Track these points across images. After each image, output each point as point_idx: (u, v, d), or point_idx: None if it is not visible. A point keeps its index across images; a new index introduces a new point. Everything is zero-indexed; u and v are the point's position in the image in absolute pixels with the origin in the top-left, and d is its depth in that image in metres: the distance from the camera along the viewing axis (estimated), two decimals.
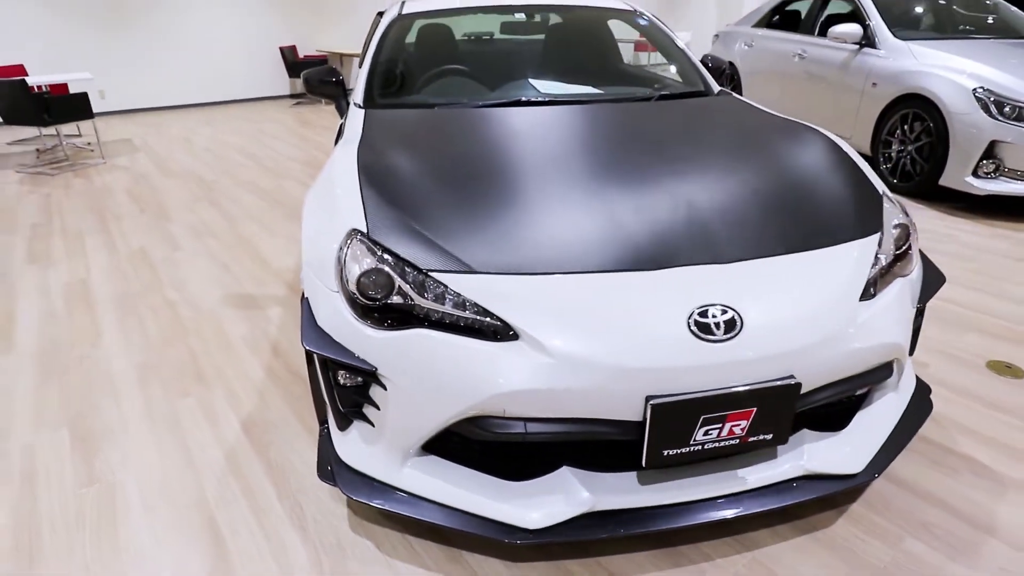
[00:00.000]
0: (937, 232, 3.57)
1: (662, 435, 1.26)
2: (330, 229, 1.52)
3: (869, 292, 1.45)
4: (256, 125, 7.39)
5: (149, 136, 6.83)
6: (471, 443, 1.43)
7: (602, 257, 1.37)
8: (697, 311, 1.29)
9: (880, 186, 1.75)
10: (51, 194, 4.66)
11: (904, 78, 4.20)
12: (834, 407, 1.59)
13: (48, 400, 2.17)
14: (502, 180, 1.63)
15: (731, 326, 1.28)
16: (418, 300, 1.35)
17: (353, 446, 1.50)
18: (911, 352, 1.78)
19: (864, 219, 1.58)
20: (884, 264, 1.51)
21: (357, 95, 2.41)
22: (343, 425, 1.52)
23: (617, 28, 3.11)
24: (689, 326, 1.27)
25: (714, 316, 1.28)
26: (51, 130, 6.62)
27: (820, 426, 1.56)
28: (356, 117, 2.19)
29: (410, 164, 1.71)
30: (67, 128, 6.99)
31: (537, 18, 3.03)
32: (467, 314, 1.31)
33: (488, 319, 1.30)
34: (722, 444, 1.31)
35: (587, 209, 1.51)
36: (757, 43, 6.07)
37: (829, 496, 1.60)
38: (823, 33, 5.29)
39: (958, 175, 3.87)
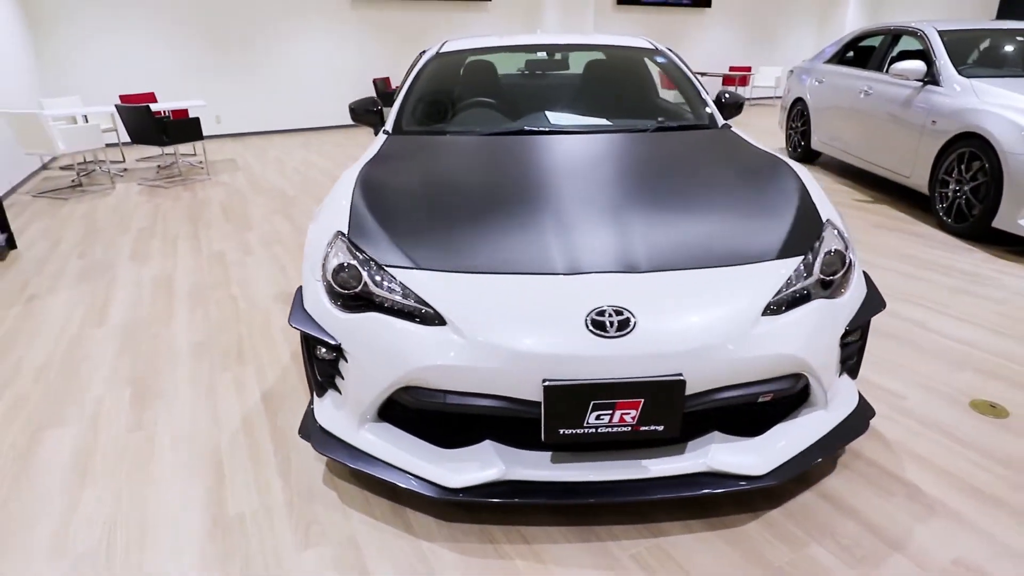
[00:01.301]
0: (980, 275, 3.44)
1: (557, 415, 1.46)
2: (323, 230, 1.86)
3: (775, 308, 1.58)
4: (343, 149, 8.15)
5: (251, 156, 7.74)
6: (411, 412, 1.69)
7: (528, 262, 1.61)
8: (596, 311, 1.49)
9: (828, 215, 1.85)
10: (160, 204, 5.47)
11: (962, 116, 4.08)
12: (749, 414, 1.71)
13: (122, 364, 2.66)
14: (468, 195, 1.91)
15: (624, 325, 1.47)
16: (374, 289, 1.64)
17: (326, 411, 1.80)
18: (854, 375, 1.86)
19: (793, 243, 1.71)
20: (802, 285, 1.64)
21: (388, 123, 2.79)
22: (320, 392, 1.84)
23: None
24: (586, 323, 1.47)
25: (610, 316, 1.48)
26: (171, 149, 7.67)
27: (737, 431, 1.68)
28: (379, 141, 2.56)
29: (399, 179, 2.03)
30: (184, 148, 8.07)
31: (558, 56, 3.32)
32: (409, 302, 1.59)
33: (424, 307, 1.57)
34: (615, 430, 1.49)
35: (530, 223, 1.76)
36: (827, 79, 6.01)
37: (748, 500, 1.73)
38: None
39: (1011, 216, 3.70)
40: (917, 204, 4.90)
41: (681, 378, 1.45)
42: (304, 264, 1.90)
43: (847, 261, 1.75)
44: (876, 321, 2.87)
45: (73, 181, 6.45)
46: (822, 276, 1.68)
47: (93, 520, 1.77)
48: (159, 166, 7.15)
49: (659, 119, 2.75)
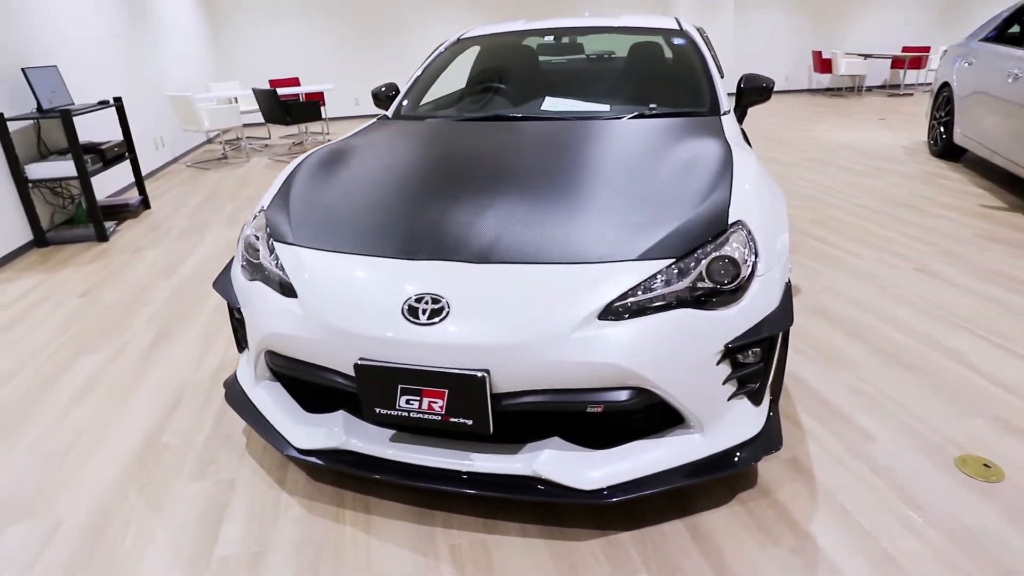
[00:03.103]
0: None
1: (370, 393, 1.50)
2: (260, 205, 2.05)
3: (619, 313, 1.45)
4: None
5: None
6: (283, 377, 1.83)
7: (382, 246, 1.65)
8: (415, 297, 1.49)
9: (743, 216, 1.63)
10: (277, 175, 6.19)
11: None
12: (604, 425, 1.59)
13: (162, 311, 3.13)
14: (388, 178, 1.98)
15: (436, 314, 1.46)
16: (262, 260, 1.79)
17: (241, 366, 2.01)
18: (757, 400, 1.65)
19: (669, 245, 1.54)
20: (666, 291, 1.48)
21: (391, 108, 2.93)
22: (239, 350, 2.04)
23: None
24: (402, 308, 1.48)
25: (425, 304, 1.48)
26: (303, 128, 8.58)
27: (585, 441, 1.58)
28: (366, 124, 2.70)
29: (341, 161, 2.15)
30: (316, 127, 8.97)
31: (565, 40, 3.19)
32: (278, 272, 1.72)
33: (286, 278, 1.69)
34: (426, 417, 1.49)
35: (418, 209, 1.78)
36: (978, 59, 5.04)
37: (603, 515, 1.63)
38: None
39: None
40: None
41: (482, 374, 1.40)
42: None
43: (743, 271, 1.54)
44: (897, 345, 2.44)
45: (222, 154, 7.52)
46: (711, 284, 1.50)
47: (69, 431, 2.15)
48: (292, 143, 8.05)
49: (651, 106, 2.57)
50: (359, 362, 1.48)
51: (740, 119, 2.78)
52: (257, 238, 1.86)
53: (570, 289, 1.47)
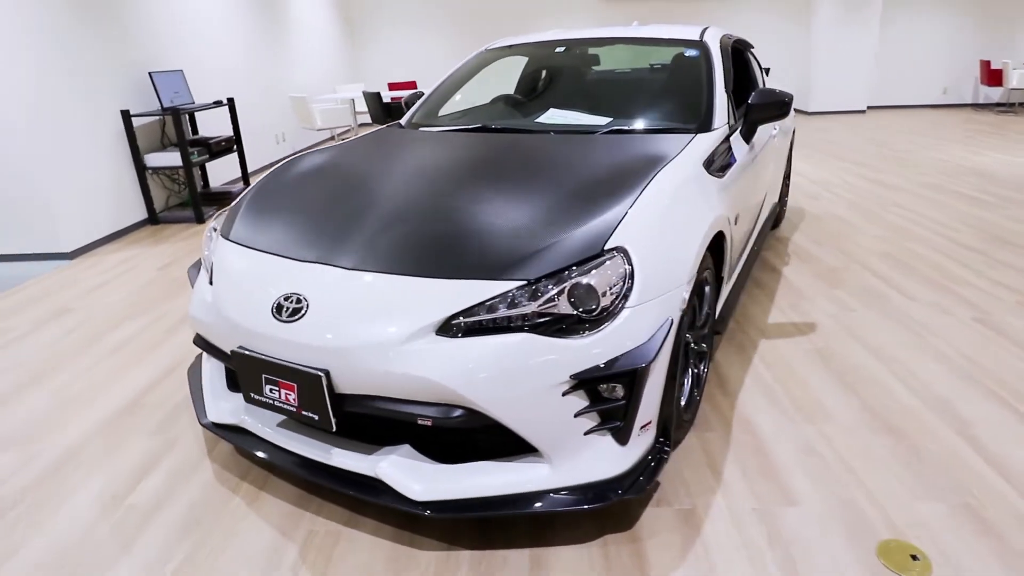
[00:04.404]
0: None
1: (245, 380, 1.63)
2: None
3: (456, 330, 1.45)
4: None
5: None
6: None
7: (288, 246, 1.76)
8: (284, 296, 1.60)
9: (627, 243, 1.54)
10: None
11: None
12: (452, 440, 1.59)
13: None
14: (328, 184, 2.10)
15: (295, 313, 1.55)
16: (204, 249, 2.01)
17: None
18: (622, 439, 1.55)
19: (525, 268, 1.50)
20: (511, 313, 1.45)
21: (405, 116, 3.07)
22: None
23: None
24: (272, 305, 1.59)
25: (288, 302, 1.57)
26: None
27: (437, 453, 1.60)
28: (372, 130, 2.86)
29: (306, 166, 2.31)
30: None
31: (577, 51, 3.11)
32: (210, 262, 1.91)
33: (211, 269, 1.88)
34: (285, 407, 1.59)
35: (347, 214, 1.83)
36: None
37: (459, 529, 1.64)
38: None
39: None
40: None
41: (321, 374, 1.47)
42: None
43: (603, 301, 1.46)
44: (894, 405, 2.12)
45: None
46: (568, 310, 1.45)
47: (86, 383, 2.55)
48: None
49: (637, 121, 2.45)
50: (236, 350, 1.62)
51: (747, 137, 2.56)
52: (215, 230, 2.08)
53: (416, 302, 1.49)
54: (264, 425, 1.78)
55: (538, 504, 1.50)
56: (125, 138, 4.73)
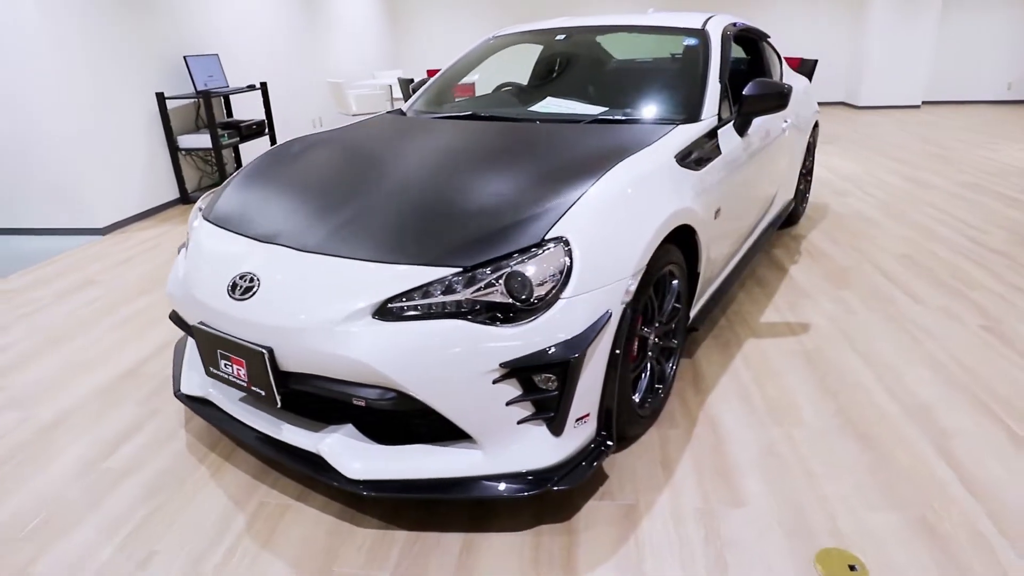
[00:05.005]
0: None
1: (203, 352, 1.71)
2: None
3: (395, 314, 1.47)
4: None
5: None
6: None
7: (253, 226, 1.83)
8: (240, 275, 1.66)
9: (567, 234, 1.53)
10: None
11: None
12: (392, 422, 1.63)
13: None
14: (309, 167, 2.16)
15: (247, 291, 1.61)
16: (188, 227, 2.10)
17: None
18: (556, 430, 1.56)
19: (463, 254, 1.51)
20: (446, 299, 1.47)
21: (408, 103, 3.10)
22: None
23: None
24: (228, 283, 1.66)
25: (243, 281, 1.63)
26: None
27: (378, 434, 1.64)
28: (372, 116, 2.91)
29: (295, 149, 2.38)
30: None
31: (586, 39, 3.06)
32: (191, 244, 2.00)
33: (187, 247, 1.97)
34: (237, 382, 1.65)
35: (297, 196, 1.90)
36: None
37: (400, 511, 1.69)
38: None
39: None
40: None
41: (263, 351, 1.53)
42: None
43: (538, 291, 1.46)
44: (871, 412, 2.04)
45: None
46: (505, 299, 1.46)
47: (94, 351, 2.71)
48: None
49: (626, 111, 2.42)
50: (197, 325, 1.70)
51: (741, 130, 2.48)
52: (200, 209, 2.17)
53: (356, 285, 1.53)
54: (227, 399, 1.86)
55: (473, 490, 1.53)
56: (159, 120, 4.95)
